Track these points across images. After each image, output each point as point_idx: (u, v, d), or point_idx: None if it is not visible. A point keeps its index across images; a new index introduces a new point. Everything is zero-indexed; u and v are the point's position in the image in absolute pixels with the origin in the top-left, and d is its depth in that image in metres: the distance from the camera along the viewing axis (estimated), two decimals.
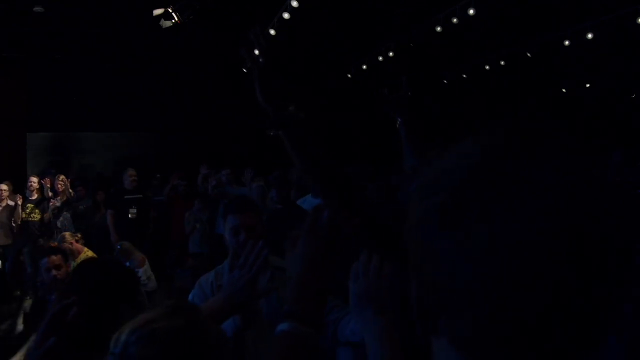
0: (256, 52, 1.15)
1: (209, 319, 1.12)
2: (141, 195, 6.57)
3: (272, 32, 7.35)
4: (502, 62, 9.94)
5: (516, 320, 0.45)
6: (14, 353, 1.85)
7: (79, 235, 5.32)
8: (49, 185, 6.98)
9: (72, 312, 1.42)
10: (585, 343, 0.46)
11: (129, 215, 6.32)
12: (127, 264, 4.77)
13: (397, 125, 1.93)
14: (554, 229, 0.44)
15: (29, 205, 6.85)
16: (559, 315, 0.44)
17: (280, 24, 7.17)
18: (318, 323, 0.88)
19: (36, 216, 6.87)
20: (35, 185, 7.00)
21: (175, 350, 0.96)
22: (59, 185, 6.86)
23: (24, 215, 6.77)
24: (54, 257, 3.34)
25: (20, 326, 4.24)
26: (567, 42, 8.03)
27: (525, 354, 0.46)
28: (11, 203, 6.75)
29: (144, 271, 5.02)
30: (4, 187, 6.74)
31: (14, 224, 6.73)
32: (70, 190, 6.80)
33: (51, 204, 6.79)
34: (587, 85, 11.91)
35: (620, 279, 0.46)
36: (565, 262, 0.44)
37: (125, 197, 6.45)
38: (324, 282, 0.93)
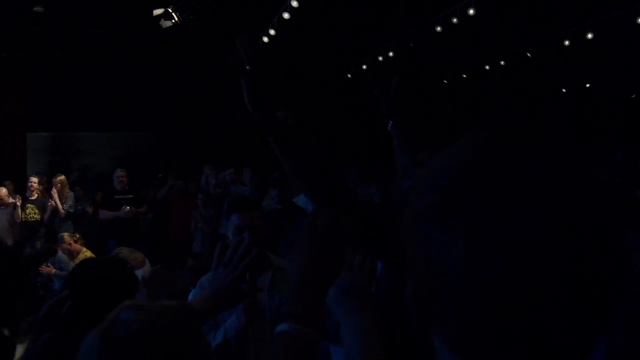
0: (244, 58, 1.15)
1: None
2: (132, 196, 6.61)
3: (272, 32, 7.34)
4: (502, 62, 9.94)
5: (510, 321, 0.44)
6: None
7: (78, 235, 5.33)
8: (37, 186, 7.00)
9: (67, 306, 1.41)
10: (581, 344, 0.46)
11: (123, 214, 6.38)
12: None
13: (389, 128, 1.90)
14: (549, 228, 0.43)
15: (29, 205, 6.84)
16: (553, 316, 0.44)
17: (280, 24, 7.16)
18: (318, 323, 0.88)
19: (36, 216, 6.86)
20: (36, 185, 7.00)
21: (165, 323, 0.98)
22: (57, 186, 6.83)
23: (23, 216, 6.75)
24: None
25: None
26: (567, 42, 8.03)
27: (519, 356, 0.46)
28: (11, 203, 6.73)
29: (144, 272, 5.00)
30: (2, 188, 6.71)
31: (13, 224, 6.71)
32: (63, 211, 6.74)
33: (50, 204, 6.78)
34: (587, 85, 11.91)
35: (616, 278, 0.45)
36: (560, 262, 0.43)
37: (116, 197, 6.52)
38: (324, 283, 0.93)
